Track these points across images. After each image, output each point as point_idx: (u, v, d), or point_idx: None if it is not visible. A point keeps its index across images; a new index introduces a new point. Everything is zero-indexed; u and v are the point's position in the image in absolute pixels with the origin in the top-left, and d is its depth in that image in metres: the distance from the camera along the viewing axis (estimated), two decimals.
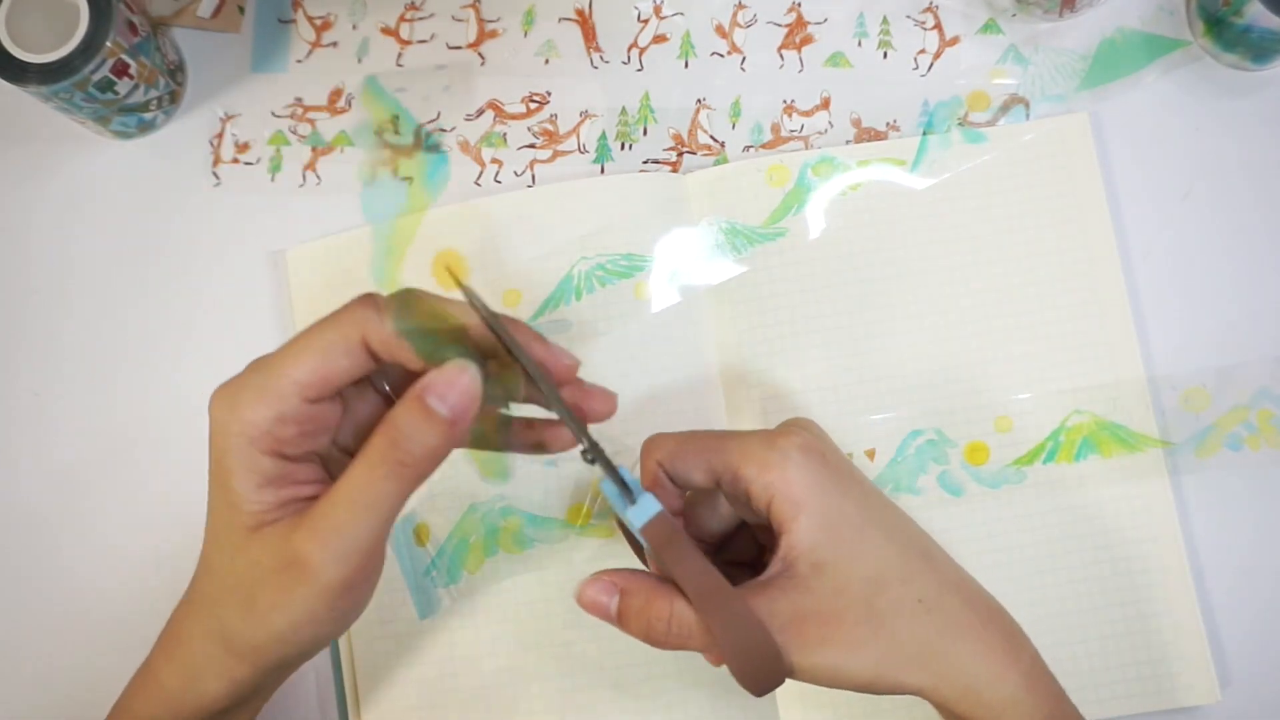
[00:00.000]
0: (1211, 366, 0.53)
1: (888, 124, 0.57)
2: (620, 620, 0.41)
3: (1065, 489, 0.52)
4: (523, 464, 0.53)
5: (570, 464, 0.53)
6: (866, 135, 0.57)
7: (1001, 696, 0.40)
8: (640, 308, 0.55)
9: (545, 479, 0.53)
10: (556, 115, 0.58)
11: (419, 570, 0.53)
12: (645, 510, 0.40)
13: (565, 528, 0.53)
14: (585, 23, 0.59)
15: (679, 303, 0.55)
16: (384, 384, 0.41)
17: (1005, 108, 0.57)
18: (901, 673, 0.39)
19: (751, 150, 0.57)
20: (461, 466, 0.53)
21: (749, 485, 0.41)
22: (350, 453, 0.39)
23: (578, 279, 0.55)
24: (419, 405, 0.36)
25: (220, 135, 0.59)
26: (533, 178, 0.58)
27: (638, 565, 0.44)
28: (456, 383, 0.36)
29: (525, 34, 0.59)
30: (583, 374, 0.42)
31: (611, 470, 0.40)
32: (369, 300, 0.38)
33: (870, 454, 0.53)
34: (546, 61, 0.59)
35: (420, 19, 0.60)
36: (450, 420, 0.36)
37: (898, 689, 0.40)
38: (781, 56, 0.59)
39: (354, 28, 0.60)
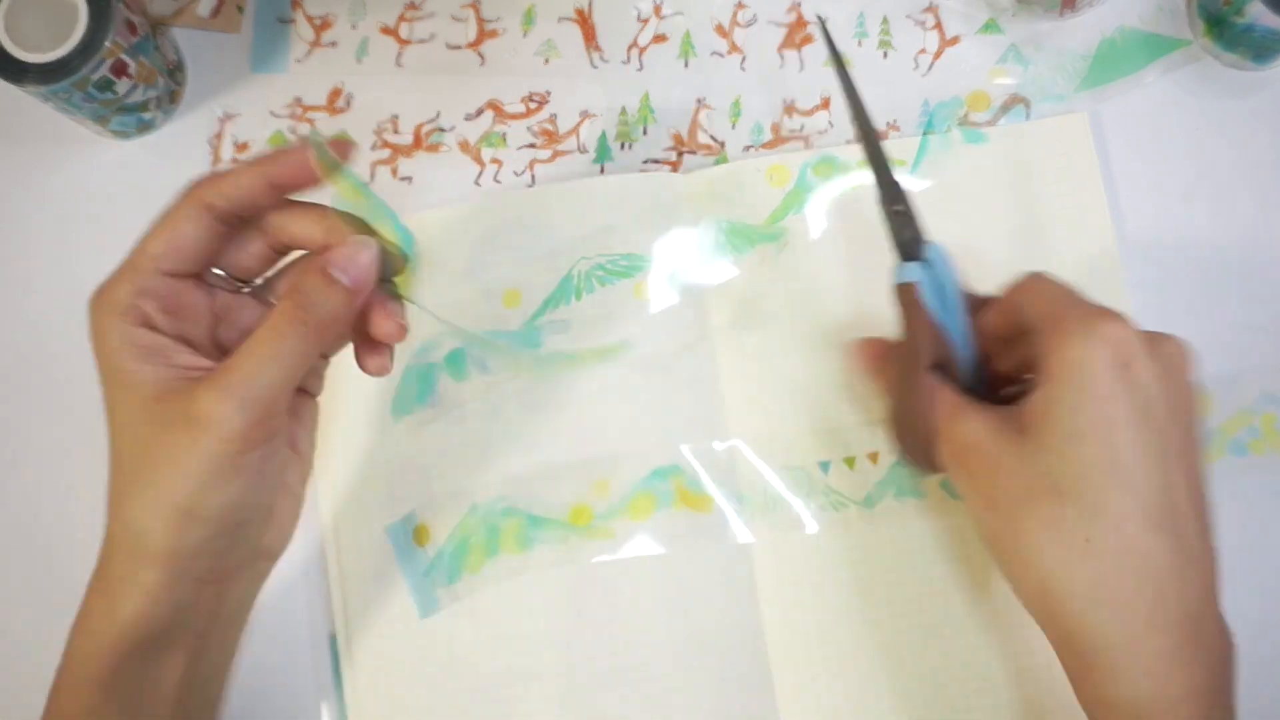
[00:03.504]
0: (1214, 371, 0.53)
1: (888, 124, 0.57)
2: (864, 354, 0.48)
3: None
4: (525, 464, 0.53)
5: (575, 464, 0.53)
6: None
7: (1138, 693, 0.37)
8: (640, 307, 0.55)
9: (548, 478, 0.53)
10: (556, 115, 0.58)
11: (419, 570, 0.53)
12: (907, 273, 0.45)
13: (568, 528, 0.53)
14: (585, 23, 0.59)
15: (679, 303, 0.55)
16: (269, 297, 0.43)
17: (1005, 107, 0.57)
18: (1023, 574, 0.39)
19: (751, 150, 0.57)
20: (461, 465, 0.53)
21: (1040, 341, 0.40)
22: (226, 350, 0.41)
23: (578, 279, 0.55)
24: (323, 274, 0.39)
25: (219, 135, 0.59)
26: (532, 178, 0.58)
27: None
28: (357, 258, 0.39)
29: (525, 34, 0.59)
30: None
31: (903, 220, 0.46)
32: (207, 178, 0.40)
33: (873, 457, 0.53)
34: (546, 61, 0.59)
35: (420, 19, 0.60)
36: (351, 290, 0.39)
37: (1011, 583, 0.40)
38: (781, 56, 0.59)
39: (353, 27, 0.60)
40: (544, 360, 0.54)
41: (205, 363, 0.40)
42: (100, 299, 0.40)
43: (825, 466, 0.53)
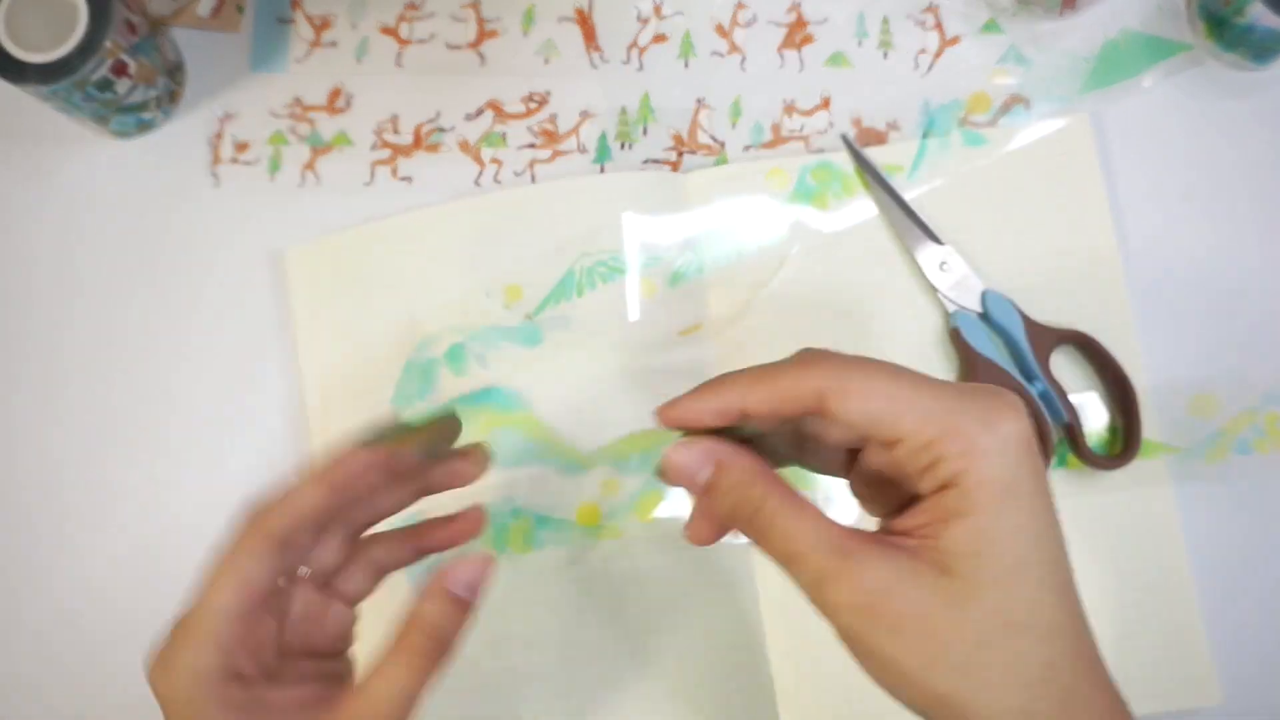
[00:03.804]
0: (1217, 372, 0.53)
1: (888, 124, 0.57)
2: (709, 493, 0.36)
3: (1067, 493, 0.52)
4: (533, 466, 0.53)
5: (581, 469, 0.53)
6: (867, 135, 0.57)
7: None
8: (643, 304, 0.55)
9: (556, 480, 0.53)
10: (556, 115, 0.58)
11: (422, 566, 0.53)
12: (955, 320, 0.52)
13: (575, 529, 0.53)
14: (585, 22, 0.59)
15: (678, 301, 0.55)
16: (303, 569, 0.41)
17: (1006, 108, 0.57)
18: (944, 711, 0.33)
19: (751, 150, 0.57)
20: (529, 379, 0.53)
21: (939, 459, 0.33)
22: (295, 655, 0.39)
23: (579, 275, 0.55)
24: (447, 598, 0.38)
25: (219, 135, 0.59)
26: (532, 178, 0.58)
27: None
28: (478, 567, 0.39)
29: (525, 34, 0.59)
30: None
31: None
32: (267, 508, 0.38)
33: None
34: (546, 61, 0.59)
35: (420, 19, 0.60)
36: (473, 602, 0.39)
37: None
38: (781, 56, 0.59)
39: (353, 27, 0.60)
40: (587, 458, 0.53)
41: (293, 694, 0.38)
42: (176, 669, 0.36)
43: None
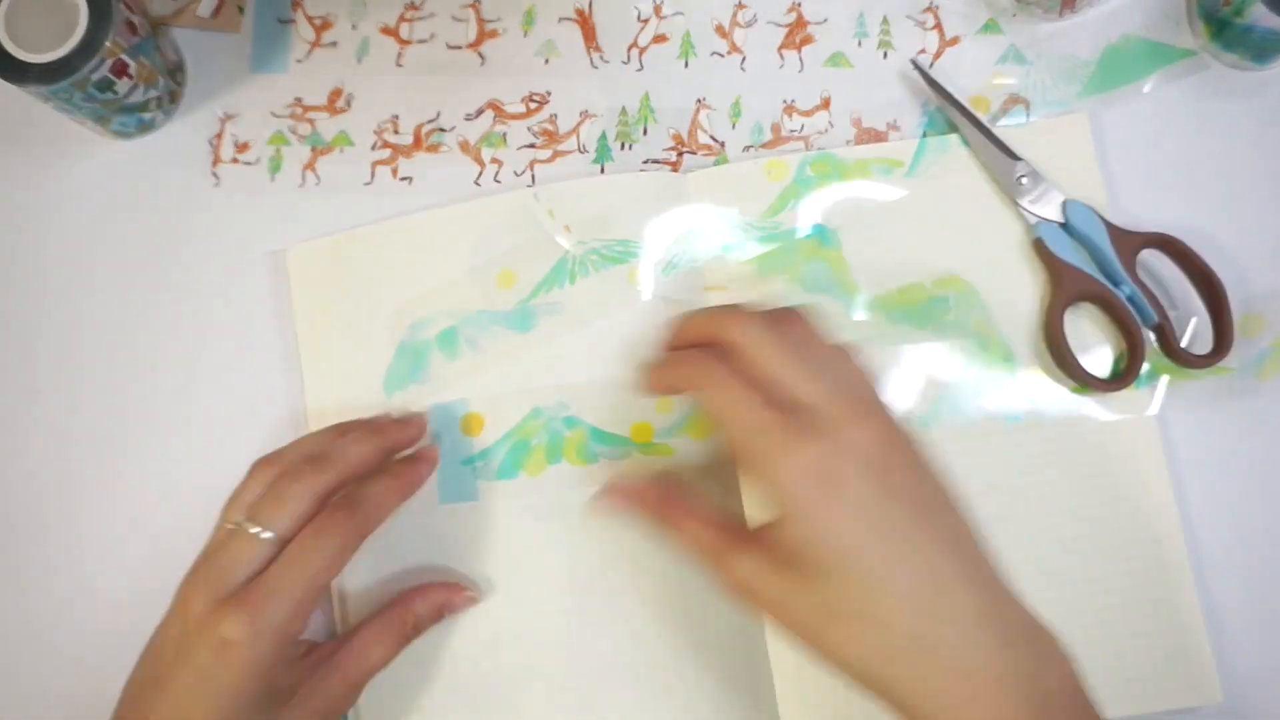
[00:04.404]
0: (1257, 293, 0.53)
1: (888, 124, 0.57)
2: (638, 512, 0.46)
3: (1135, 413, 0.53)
4: (589, 379, 0.54)
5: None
6: (867, 135, 0.57)
7: None
8: (633, 294, 0.55)
9: (610, 394, 0.54)
10: (556, 115, 0.58)
11: (459, 458, 0.53)
12: (1038, 231, 0.54)
13: (630, 445, 0.53)
14: (585, 23, 0.59)
15: (673, 291, 0.55)
16: None
17: (1005, 109, 0.57)
18: (844, 673, 0.40)
19: (751, 150, 0.57)
20: (521, 365, 0.54)
21: (755, 468, 0.41)
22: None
23: (572, 262, 0.55)
24: (439, 613, 0.52)
25: (220, 135, 0.59)
26: (532, 178, 0.58)
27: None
28: (466, 602, 0.53)
29: (525, 34, 0.59)
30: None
31: None
32: (361, 524, 0.47)
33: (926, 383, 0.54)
34: (546, 61, 0.59)
35: (420, 19, 0.60)
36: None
37: (840, 678, 0.40)
38: (781, 56, 0.59)
39: (354, 28, 0.60)
40: None
41: (307, 645, 0.49)
42: (261, 622, 0.43)
43: None
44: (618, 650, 0.52)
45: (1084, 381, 0.52)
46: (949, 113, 0.56)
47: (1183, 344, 0.53)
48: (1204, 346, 0.53)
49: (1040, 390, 0.53)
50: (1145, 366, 0.53)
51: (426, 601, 0.51)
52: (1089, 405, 0.53)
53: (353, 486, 0.47)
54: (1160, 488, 0.52)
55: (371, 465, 0.48)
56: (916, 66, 0.57)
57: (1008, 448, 0.53)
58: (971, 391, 0.53)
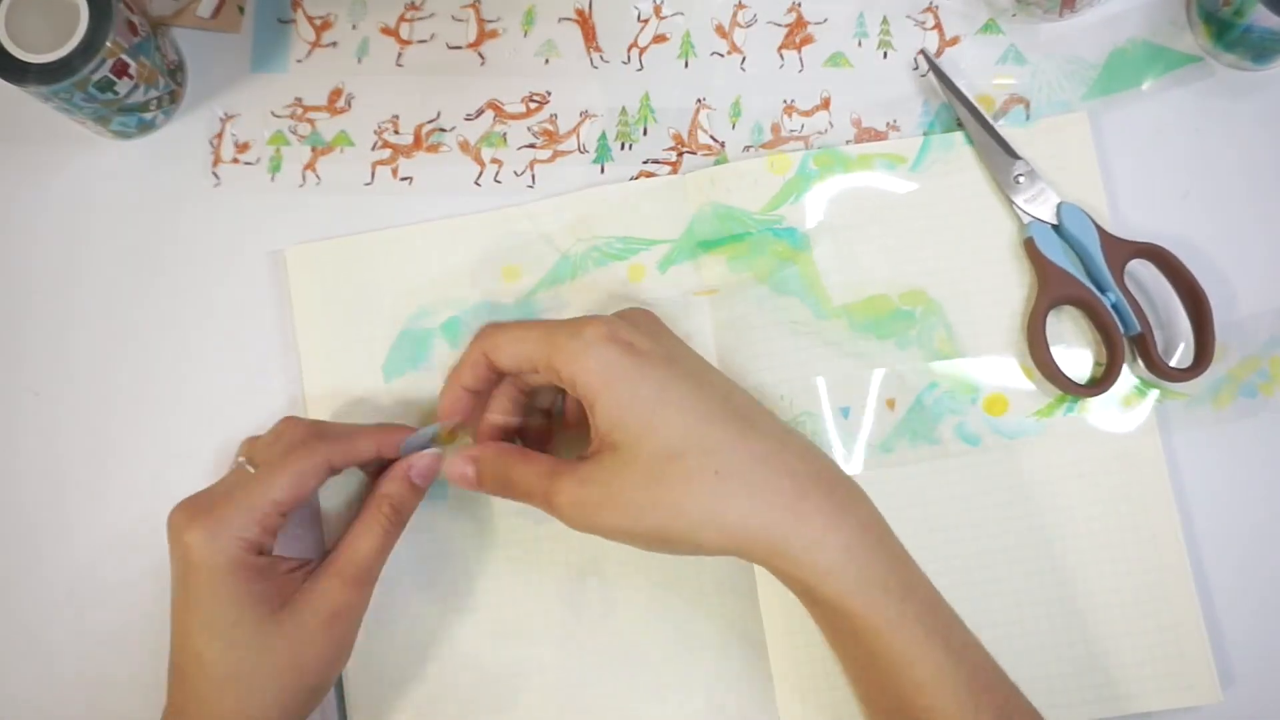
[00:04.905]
0: (1221, 320, 0.53)
1: (888, 124, 0.57)
2: (479, 483, 0.48)
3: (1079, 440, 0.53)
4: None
5: None
6: (867, 135, 0.57)
7: (817, 561, 0.42)
8: (635, 290, 0.55)
9: None
10: (556, 115, 0.58)
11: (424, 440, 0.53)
12: (1029, 230, 0.54)
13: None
14: (585, 23, 0.59)
15: (674, 286, 0.55)
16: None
17: (1005, 109, 0.57)
18: (694, 534, 0.43)
19: (751, 150, 0.57)
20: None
21: (559, 373, 0.45)
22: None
23: (574, 259, 0.55)
24: (408, 480, 0.50)
25: (220, 135, 0.59)
26: (533, 178, 0.58)
27: None
28: (432, 466, 0.51)
29: (525, 34, 0.59)
30: None
31: None
32: (329, 437, 0.49)
33: (890, 403, 0.53)
34: (546, 61, 0.59)
35: (420, 19, 0.60)
36: (424, 490, 0.51)
37: (698, 549, 0.43)
38: (781, 56, 0.59)
39: (354, 28, 0.60)
40: None
41: (292, 561, 0.48)
42: (219, 531, 0.45)
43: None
44: (614, 647, 0.52)
45: (1059, 384, 0.52)
46: (954, 106, 0.56)
47: (1162, 357, 0.52)
48: (1184, 361, 0.53)
49: (1015, 401, 0.53)
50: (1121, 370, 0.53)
51: (393, 478, 0.50)
52: (1087, 407, 0.53)
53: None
54: (1159, 489, 0.52)
55: (375, 450, 0.50)
56: (926, 57, 0.57)
57: (984, 463, 0.53)
58: (939, 410, 0.53)
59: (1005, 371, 0.54)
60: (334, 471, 0.48)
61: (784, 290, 0.55)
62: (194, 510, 0.46)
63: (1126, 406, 0.53)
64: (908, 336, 0.54)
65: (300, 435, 0.49)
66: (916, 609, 0.42)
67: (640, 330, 0.46)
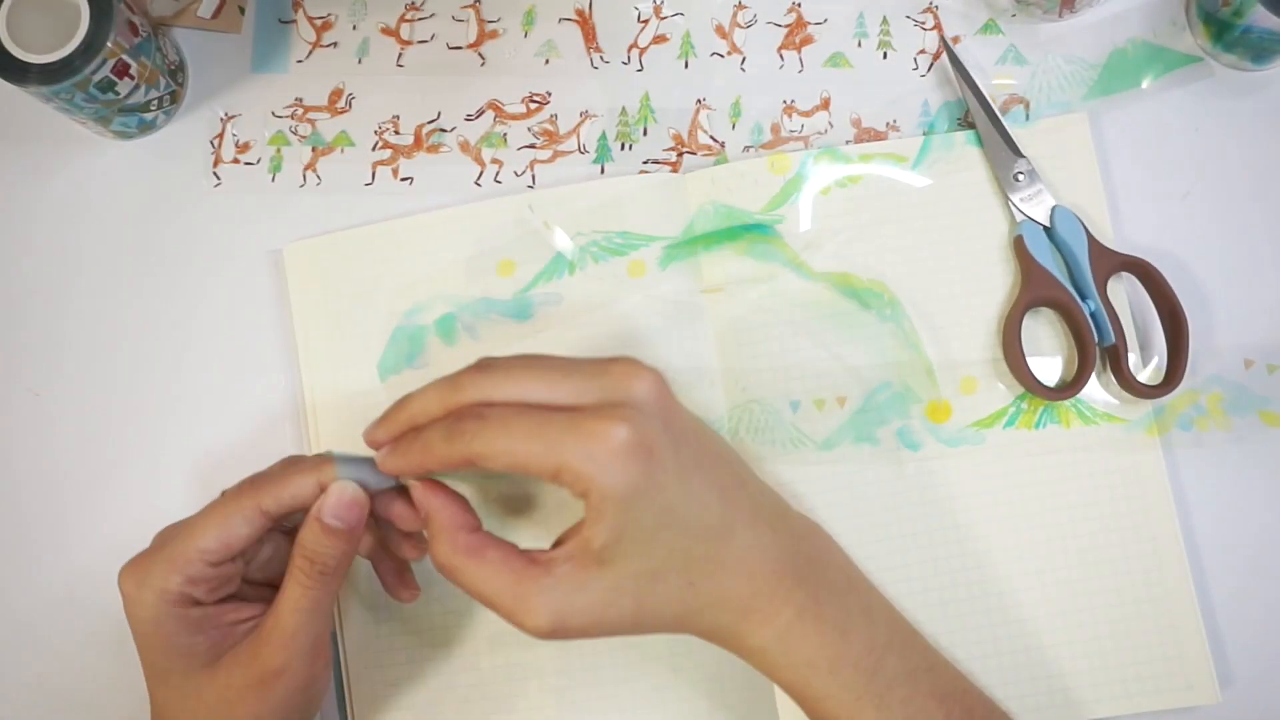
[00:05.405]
0: (1196, 346, 0.53)
1: (888, 124, 0.57)
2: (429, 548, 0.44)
3: (1026, 453, 0.53)
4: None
5: None
6: (866, 135, 0.57)
7: (752, 645, 0.43)
8: (634, 286, 0.55)
9: None
10: (556, 115, 0.58)
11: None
12: (1019, 229, 0.54)
13: None
14: (585, 23, 0.59)
15: (673, 284, 0.55)
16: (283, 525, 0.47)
17: (1005, 109, 0.57)
18: (652, 632, 0.43)
19: (751, 150, 0.57)
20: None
21: (562, 476, 0.40)
22: (258, 583, 0.47)
23: (572, 254, 0.55)
24: (319, 525, 0.44)
25: (221, 135, 0.59)
26: (533, 178, 0.58)
27: None
28: (343, 499, 0.44)
29: (525, 34, 0.59)
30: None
31: None
32: (260, 480, 0.45)
33: (841, 401, 0.54)
34: (546, 62, 0.59)
35: (420, 19, 0.60)
36: (347, 530, 0.44)
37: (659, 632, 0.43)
38: (781, 56, 0.59)
39: (354, 28, 0.60)
40: None
41: (248, 611, 0.46)
42: (144, 588, 0.43)
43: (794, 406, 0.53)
44: (614, 649, 0.52)
45: (1027, 383, 0.53)
46: (965, 98, 0.56)
47: (1132, 371, 0.52)
48: (1153, 379, 0.53)
49: (958, 410, 0.54)
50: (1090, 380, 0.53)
51: (305, 523, 0.44)
52: (1032, 421, 0.54)
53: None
54: (1159, 491, 0.52)
55: (316, 487, 0.45)
56: (945, 45, 0.57)
57: (965, 466, 0.53)
58: (885, 412, 0.54)
59: (973, 366, 0.54)
60: (273, 518, 0.44)
61: (784, 289, 0.55)
62: (131, 560, 0.44)
63: (1066, 426, 0.54)
64: (881, 330, 0.54)
65: (240, 482, 0.45)
66: (847, 678, 0.43)
67: (657, 422, 0.41)
